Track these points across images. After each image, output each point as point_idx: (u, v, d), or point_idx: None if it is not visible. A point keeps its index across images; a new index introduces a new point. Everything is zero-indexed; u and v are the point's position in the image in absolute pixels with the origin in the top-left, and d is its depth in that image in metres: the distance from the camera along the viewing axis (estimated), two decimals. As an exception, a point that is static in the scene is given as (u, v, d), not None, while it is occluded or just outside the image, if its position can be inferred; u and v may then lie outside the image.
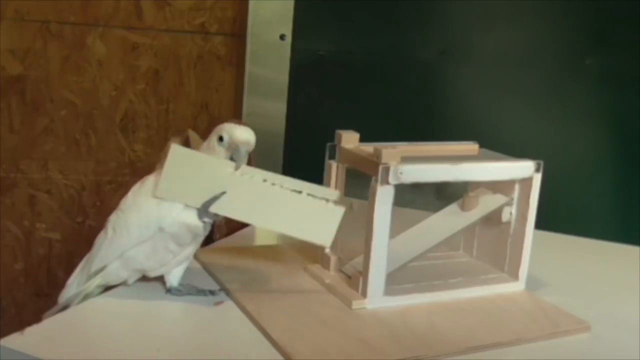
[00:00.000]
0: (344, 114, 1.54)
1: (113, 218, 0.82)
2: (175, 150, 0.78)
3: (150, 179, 0.81)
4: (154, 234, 0.79)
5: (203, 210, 0.78)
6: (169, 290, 0.83)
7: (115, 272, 0.82)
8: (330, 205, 0.81)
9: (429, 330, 0.78)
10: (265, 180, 0.79)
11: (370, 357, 0.71)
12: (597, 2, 1.61)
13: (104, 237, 0.82)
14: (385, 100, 1.58)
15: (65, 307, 0.83)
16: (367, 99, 1.57)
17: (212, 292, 0.84)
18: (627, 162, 1.68)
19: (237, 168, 0.78)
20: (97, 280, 0.82)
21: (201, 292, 0.84)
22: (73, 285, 0.84)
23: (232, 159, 0.78)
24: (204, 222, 0.79)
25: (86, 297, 0.83)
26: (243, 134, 0.79)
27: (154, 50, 1.48)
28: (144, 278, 0.83)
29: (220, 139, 0.79)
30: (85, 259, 0.85)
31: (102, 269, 0.82)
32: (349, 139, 0.88)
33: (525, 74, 1.62)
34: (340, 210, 0.81)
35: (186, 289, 0.83)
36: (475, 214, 0.93)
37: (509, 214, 0.91)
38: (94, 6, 1.43)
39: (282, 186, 0.80)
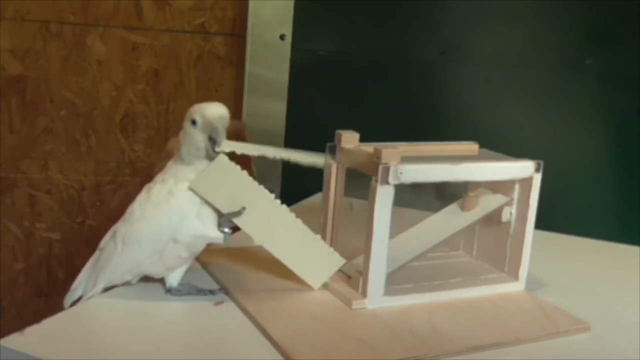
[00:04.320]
0: (344, 114, 1.54)
1: (122, 231, 0.80)
2: (221, 159, 0.78)
3: (156, 189, 0.80)
4: (166, 245, 0.79)
5: (226, 219, 0.78)
6: (169, 290, 0.83)
7: (121, 277, 0.82)
8: (334, 253, 0.84)
9: (429, 330, 0.78)
10: (260, 155, 0.80)
11: (370, 357, 0.71)
12: (597, 2, 1.62)
13: (113, 249, 0.80)
14: (385, 100, 1.58)
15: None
16: (367, 99, 1.57)
17: (212, 292, 0.84)
18: (627, 162, 1.68)
19: (218, 145, 0.77)
20: (103, 284, 0.82)
21: (201, 292, 0.83)
22: (77, 289, 0.84)
23: (210, 139, 0.77)
24: (223, 232, 0.79)
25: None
26: (215, 110, 0.77)
27: (154, 50, 1.48)
28: (144, 278, 0.83)
29: (194, 122, 0.77)
30: (90, 263, 0.84)
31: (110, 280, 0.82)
32: (349, 139, 0.88)
33: (525, 74, 1.62)
34: (340, 261, 0.84)
35: (186, 289, 0.83)
36: (475, 214, 0.93)
37: (509, 214, 0.91)
38: (94, 6, 1.43)
39: (295, 217, 0.82)
